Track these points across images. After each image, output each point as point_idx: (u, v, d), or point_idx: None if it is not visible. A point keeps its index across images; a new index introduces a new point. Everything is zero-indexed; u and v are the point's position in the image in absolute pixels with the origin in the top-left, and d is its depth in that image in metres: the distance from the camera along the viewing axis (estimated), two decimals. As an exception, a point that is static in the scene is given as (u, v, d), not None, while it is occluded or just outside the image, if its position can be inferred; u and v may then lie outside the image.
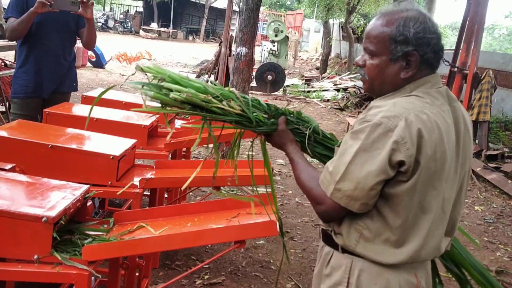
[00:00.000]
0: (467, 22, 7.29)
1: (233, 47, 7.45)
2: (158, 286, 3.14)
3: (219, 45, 8.01)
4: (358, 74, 1.59)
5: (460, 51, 7.54)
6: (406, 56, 1.44)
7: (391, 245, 1.43)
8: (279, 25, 14.98)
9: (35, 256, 1.71)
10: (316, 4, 18.84)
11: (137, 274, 2.59)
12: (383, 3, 16.18)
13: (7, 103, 5.33)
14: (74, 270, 1.69)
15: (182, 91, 1.57)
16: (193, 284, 3.22)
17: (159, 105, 1.61)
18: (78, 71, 4.15)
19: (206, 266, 3.46)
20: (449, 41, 24.80)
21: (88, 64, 13.60)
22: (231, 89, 1.69)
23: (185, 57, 20.15)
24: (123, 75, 13.11)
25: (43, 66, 3.68)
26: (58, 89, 3.80)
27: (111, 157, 2.51)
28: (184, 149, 3.93)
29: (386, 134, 1.35)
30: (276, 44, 15.15)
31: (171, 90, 1.59)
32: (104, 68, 13.71)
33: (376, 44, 1.47)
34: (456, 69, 7.46)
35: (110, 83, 11.03)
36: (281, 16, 29.37)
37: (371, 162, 1.35)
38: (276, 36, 14.84)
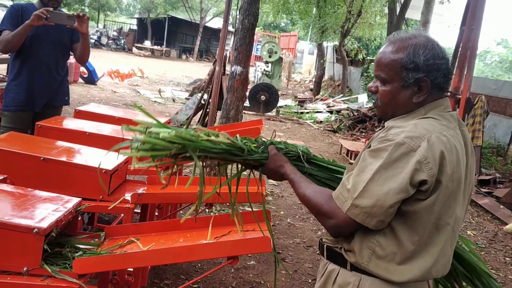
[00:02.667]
0: (460, 48, 7.40)
1: (228, 66, 7.50)
2: (147, 304, 3.09)
3: (213, 63, 8.04)
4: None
5: (453, 76, 7.65)
6: (417, 82, 1.48)
7: (403, 263, 1.43)
8: (273, 46, 15.11)
9: (25, 268, 1.67)
10: (310, 27, 19.08)
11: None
12: (377, 27, 16.42)
13: (-2, 116, 5.28)
14: (64, 283, 1.66)
15: (170, 132, 1.54)
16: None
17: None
18: (70, 86, 4.13)
19: (196, 286, 3.41)
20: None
21: (80, 80, 13.57)
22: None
23: (178, 75, 20.21)
24: (115, 91, 13.11)
25: (35, 79, 3.66)
26: (49, 103, 3.79)
27: (103, 171, 2.49)
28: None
29: (409, 153, 1.37)
30: (269, 65, 15.27)
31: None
32: (96, 84, 13.69)
33: (387, 72, 1.51)
34: (449, 93, 7.56)
35: (101, 100, 11.02)
36: (275, 37, 29.71)
37: (392, 180, 1.37)
38: (270, 57, 14.97)
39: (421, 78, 1.47)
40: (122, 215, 3.28)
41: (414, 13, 12.15)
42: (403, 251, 1.43)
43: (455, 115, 1.54)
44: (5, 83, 3.98)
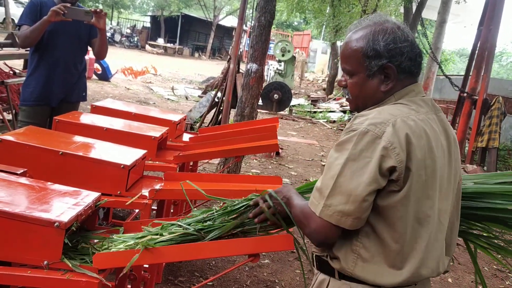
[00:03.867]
0: (478, 49, 7.33)
1: (241, 65, 7.48)
2: (161, 301, 3.08)
3: (228, 61, 8.03)
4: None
5: (470, 77, 7.58)
6: (382, 69, 1.43)
7: (391, 264, 1.37)
8: (287, 45, 15.05)
9: (45, 262, 1.66)
10: (324, 26, 18.98)
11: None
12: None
13: (14, 111, 5.31)
14: (84, 278, 1.64)
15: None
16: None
17: None
18: None
19: (210, 283, 3.40)
20: (456, 67, 24.88)
21: (94, 76, 13.66)
22: None
23: (190, 73, 20.25)
24: (128, 88, 13.17)
25: (53, 74, 3.68)
26: (67, 98, 3.81)
27: (121, 166, 2.48)
28: (191, 162, 3.90)
29: (374, 141, 1.31)
30: (282, 63, 15.22)
31: None
32: (109, 81, 13.77)
33: (351, 63, 1.47)
34: (465, 94, 7.48)
35: (115, 96, 11.07)
36: (288, 36, 29.63)
37: (361, 172, 1.30)
38: (283, 55, 14.91)
39: (384, 65, 1.42)
40: (138, 210, 3.30)
41: (430, 13, 12.05)
42: (387, 251, 1.36)
43: (429, 100, 1.47)
44: (21, 78, 4.01)
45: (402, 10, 12.34)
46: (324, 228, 1.34)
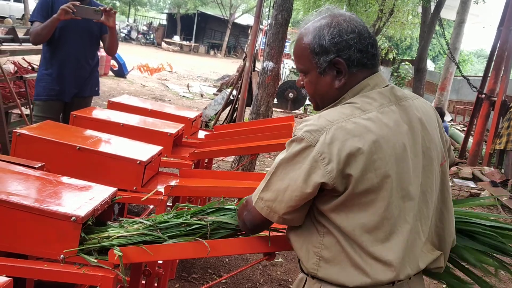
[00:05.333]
0: (497, 49, 7.23)
1: (256, 63, 7.48)
2: (175, 297, 3.09)
3: (243, 59, 8.03)
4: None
5: (489, 78, 7.48)
6: (332, 65, 1.39)
7: (356, 262, 1.32)
8: (302, 44, 14.96)
9: (61, 256, 1.67)
10: (340, 25, 18.80)
11: (155, 284, 2.54)
12: (408, 27, 16.15)
13: (32, 106, 5.37)
14: (100, 272, 1.65)
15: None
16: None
17: None
18: (100, 79, 4.20)
19: (224, 281, 3.39)
20: (474, 68, 24.56)
21: (110, 73, 13.77)
22: None
23: (206, 71, 20.30)
24: (144, 85, 13.24)
25: (65, 70, 3.73)
26: (79, 93, 3.85)
27: (138, 162, 2.49)
28: (206, 160, 3.91)
29: (307, 149, 1.29)
30: (297, 62, 15.14)
31: None
32: (125, 77, 13.87)
33: (302, 61, 1.43)
34: (484, 95, 7.39)
35: (131, 93, 11.12)
36: (303, 35, 29.44)
37: (291, 176, 1.31)
38: (298, 54, 14.84)
39: (333, 60, 1.37)
40: (153, 206, 3.30)
41: (448, 13, 11.90)
42: (350, 248, 1.32)
43: (387, 90, 1.40)
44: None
45: (420, 9, 12.22)
46: (255, 217, 1.43)
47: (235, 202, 1.89)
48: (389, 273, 1.32)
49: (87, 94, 3.95)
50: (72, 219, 1.65)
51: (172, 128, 3.30)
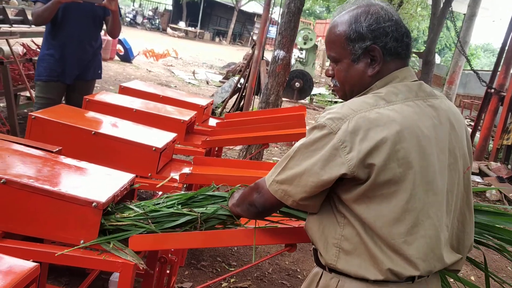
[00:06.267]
0: (508, 44, 7.17)
1: (255, 51, 7.38)
2: (184, 285, 3.09)
3: (252, 47, 7.98)
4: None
5: (498, 72, 7.42)
6: (367, 52, 1.37)
7: (374, 256, 1.30)
8: (309, 33, 14.87)
9: (81, 241, 1.66)
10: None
11: (167, 271, 2.54)
12: (416, 18, 16.03)
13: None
14: (119, 259, 1.64)
15: None
16: (219, 287, 3.16)
17: None
18: (106, 63, 4.21)
19: (233, 269, 3.40)
20: (480, 62, 24.41)
21: (116, 57, 13.71)
22: None
23: (211, 58, 20.20)
24: (150, 71, 13.19)
25: (67, 51, 3.71)
26: (82, 76, 3.83)
27: (153, 148, 2.47)
28: (216, 147, 3.89)
29: (328, 136, 1.28)
30: (304, 52, 15.06)
31: None
32: (131, 62, 13.81)
33: (335, 49, 1.42)
34: (493, 90, 7.34)
35: (137, 78, 11.08)
36: (310, 24, 29.34)
37: (309, 162, 1.30)
38: (305, 43, 14.74)
39: (369, 47, 1.36)
40: (161, 193, 3.29)
41: (458, 6, 11.79)
42: (371, 240, 1.30)
43: (415, 85, 1.39)
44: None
45: (430, 1, 12.11)
46: (268, 200, 1.43)
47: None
48: (409, 268, 1.31)
49: (89, 77, 3.92)
50: (93, 205, 1.64)
51: (185, 115, 3.28)
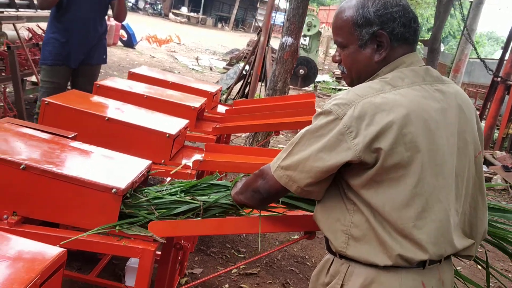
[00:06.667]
0: (516, 32, 7.11)
1: (261, 38, 7.34)
2: (194, 270, 3.11)
3: (258, 34, 7.93)
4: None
5: (505, 61, 7.38)
6: (374, 37, 1.37)
7: (384, 242, 1.30)
8: (313, 19, 14.76)
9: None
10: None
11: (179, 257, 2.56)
12: (422, 5, 15.90)
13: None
14: (140, 245, 1.64)
15: None
16: (229, 273, 3.18)
17: None
18: (109, 49, 4.18)
19: (242, 256, 3.42)
20: (484, 50, 24.26)
21: (119, 43, 13.63)
22: None
23: (213, 44, 20.09)
24: (153, 56, 13.13)
25: (72, 35, 3.69)
26: (87, 60, 3.82)
27: (167, 135, 2.47)
28: (225, 134, 3.89)
29: (334, 121, 1.28)
30: (307, 38, 14.96)
31: None
32: (134, 48, 13.74)
33: (342, 34, 1.41)
34: (499, 79, 7.31)
35: (140, 64, 11.03)
36: (313, 11, 29.14)
37: (314, 147, 1.30)
38: (308, 30, 14.63)
39: (376, 32, 1.35)
40: (169, 179, 3.29)
41: (465, -7, 11.70)
42: (380, 226, 1.30)
43: (421, 69, 1.38)
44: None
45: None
46: (272, 186, 1.42)
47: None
48: (419, 253, 1.30)
49: (94, 62, 3.91)
50: (113, 191, 1.64)
51: (195, 101, 3.27)
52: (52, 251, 1.21)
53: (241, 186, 1.65)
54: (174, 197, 1.77)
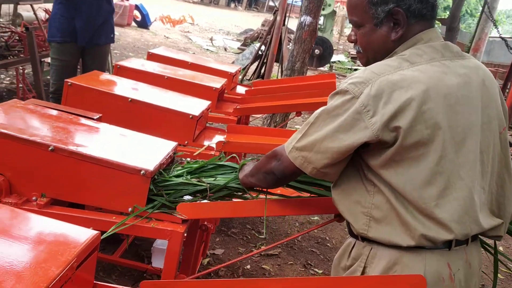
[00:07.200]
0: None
1: (277, 17, 7.24)
2: (216, 251, 3.12)
3: (274, 13, 7.82)
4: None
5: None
6: (390, 15, 1.32)
7: (408, 221, 1.26)
8: (328, -2, 14.53)
9: (130, 209, 1.66)
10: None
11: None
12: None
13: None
14: (169, 227, 1.64)
15: None
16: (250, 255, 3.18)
17: None
18: (123, 30, 4.16)
19: (262, 237, 3.42)
20: (503, 29, 23.75)
21: (133, 23, 13.58)
22: None
23: (227, 24, 19.94)
24: (167, 37, 13.07)
25: (78, 12, 3.66)
26: (95, 39, 3.78)
27: (190, 116, 2.45)
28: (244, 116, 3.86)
29: (350, 101, 1.24)
30: (322, 18, 14.73)
31: None
32: (148, 29, 13.68)
33: (357, 13, 1.37)
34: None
35: (155, 45, 10.99)
36: (327, -11, 28.68)
37: (330, 127, 1.27)
38: (323, 9, 14.38)
39: (392, 10, 1.30)
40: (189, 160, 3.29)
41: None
42: (402, 205, 1.26)
43: (439, 45, 1.33)
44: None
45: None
46: (287, 168, 1.40)
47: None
48: (443, 232, 1.27)
49: (102, 41, 3.87)
50: (141, 172, 1.63)
51: (216, 82, 3.24)
52: (86, 233, 1.20)
53: (251, 168, 1.63)
54: (180, 179, 1.75)
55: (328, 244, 3.52)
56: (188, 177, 1.78)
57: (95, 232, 1.20)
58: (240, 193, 1.75)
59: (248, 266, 3.03)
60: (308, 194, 1.74)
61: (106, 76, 2.86)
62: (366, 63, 1.42)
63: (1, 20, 7.30)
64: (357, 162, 1.34)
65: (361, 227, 1.33)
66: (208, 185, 1.72)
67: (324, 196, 1.69)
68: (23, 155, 1.64)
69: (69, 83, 2.43)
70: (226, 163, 1.83)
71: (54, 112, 1.97)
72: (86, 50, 3.77)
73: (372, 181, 1.31)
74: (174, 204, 1.69)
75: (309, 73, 9.48)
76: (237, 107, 3.24)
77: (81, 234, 1.19)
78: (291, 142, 1.38)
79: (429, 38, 1.33)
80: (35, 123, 1.83)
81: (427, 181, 1.25)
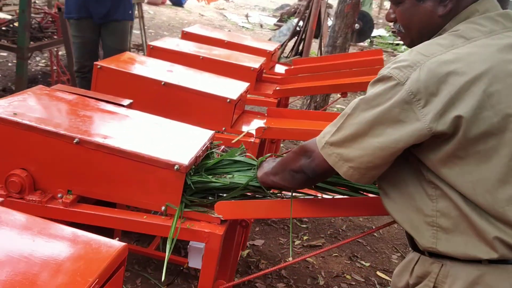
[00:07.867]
0: None
1: None
2: (256, 242, 2.95)
3: (312, -13, 7.48)
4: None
5: None
6: None
7: (484, 230, 1.05)
8: (367, -30, 13.95)
9: (163, 208, 1.49)
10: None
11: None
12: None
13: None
14: (206, 229, 1.46)
15: None
16: (292, 245, 3.00)
17: None
18: (157, 8, 4.00)
19: (305, 226, 3.23)
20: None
21: (168, 1, 13.44)
22: None
23: (262, 0, 19.53)
24: (202, 15, 12.88)
25: None
26: (111, 16, 3.65)
27: (227, 100, 2.25)
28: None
29: (394, 87, 1.04)
30: (362, -9, 14.23)
31: None
32: (183, 6, 13.52)
33: None
34: None
35: (190, 23, 10.81)
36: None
37: (372, 120, 1.07)
38: (363, -18, 13.89)
39: None
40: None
41: None
42: (474, 212, 1.05)
43: (499, 15, 1.10)
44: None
45: None
46: (319, 166, 1.21)
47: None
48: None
49: (119, 17, 3.71)
50: (175, 167, 1.45)
51: (254, 62, 3.03)
52: (111, 245, 1.02)
53: (273, 166, 1.42)
54: (196, 178, 1.54)
55: (375, 234, 3.29)
56: (205, 174, 1.57)
57: (122, 244, 1.03)
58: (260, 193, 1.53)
59: (290, 258, 2.85)
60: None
61: (137, 58, 2.69)
62: (410, 44, 1.21)
63: (36, 1, 7.26)
64: (412, 161, 1.12)
65: (428, 240, 1.11)
66: (228, 183, 1.52)
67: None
68: (47, 148, 1.48)
69: (98, 66, 2.27)
70: (242, 159, 1.61)
71: (81, 99, 1.81)
72: (102, 27, 3.66)
73: (433, 183, 1.09)
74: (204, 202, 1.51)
75: (350, 49, 9.12)
76: (277, 88, 3.02)
77: (105, 247, 1.02)
78: (323, 136, 1.19)
79: (485, 8, 1.11)
80: (60, 112, 1.67)
81: (502, 179, 1.04)
